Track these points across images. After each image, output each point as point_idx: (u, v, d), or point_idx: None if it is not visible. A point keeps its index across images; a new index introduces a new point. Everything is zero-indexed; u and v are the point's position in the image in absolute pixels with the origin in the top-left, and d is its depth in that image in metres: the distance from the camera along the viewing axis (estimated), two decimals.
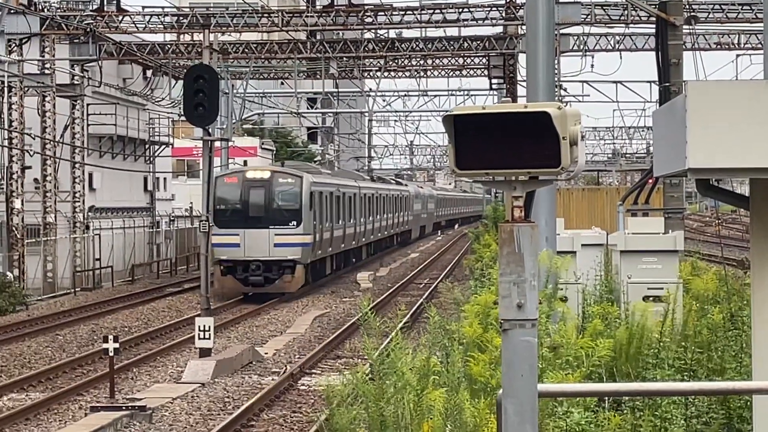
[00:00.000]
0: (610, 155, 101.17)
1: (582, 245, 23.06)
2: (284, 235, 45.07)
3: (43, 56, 50.04)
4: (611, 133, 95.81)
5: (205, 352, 26.84)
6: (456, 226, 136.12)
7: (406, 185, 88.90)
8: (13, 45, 47.94)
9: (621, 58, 54.87)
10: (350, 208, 57.41)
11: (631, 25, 47.47)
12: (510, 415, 5.89)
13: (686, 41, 38.61)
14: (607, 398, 12.79)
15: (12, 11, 44.90)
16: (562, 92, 56.03)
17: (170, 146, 67.25)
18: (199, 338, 26.87)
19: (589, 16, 43.93)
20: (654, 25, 31.45)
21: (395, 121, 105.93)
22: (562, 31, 45.21)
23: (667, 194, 28.71)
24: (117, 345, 23.56)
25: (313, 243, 47.26)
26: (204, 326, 26.89)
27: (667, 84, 28.36)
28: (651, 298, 18.26)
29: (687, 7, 38.42)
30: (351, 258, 60.96)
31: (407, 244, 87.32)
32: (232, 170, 51.20)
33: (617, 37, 52.13)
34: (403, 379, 15.20)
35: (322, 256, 50.36)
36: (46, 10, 49.05)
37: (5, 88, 46.17)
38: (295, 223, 45.45)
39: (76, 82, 53.07)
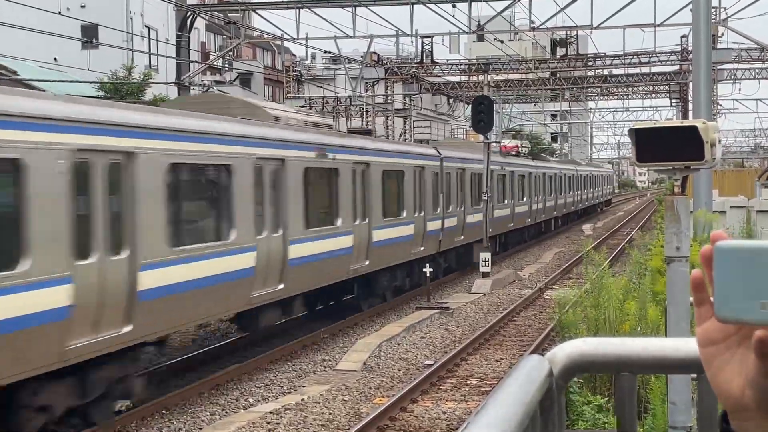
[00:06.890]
0: (752, 147, 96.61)
1: (730, 207, 22.24)
2: None
3: (386, 92, 51.10)
4: (753, 132, 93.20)
5: (485, 274, 27.07)
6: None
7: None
8: (368, 86, 49.23)
9: (759, 83, 53.29)
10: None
11: (766, 61, 45.11)
12: (671, 316, 5.90)
13: None
14: None
15: (368, 65, 45.90)
16: (718, 107, 53.76)
17: None
18: (482, 266, 27.10)
19: (737, 57, 42.07)
20: None
21: (607, 128, 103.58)
22: (718, 68, 43.36)
23: None
24: (432, 269, 24.04)
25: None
26: (485, 258, 27.11)
27: None
28: None
29: None
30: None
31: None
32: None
33: (756, 69, 49.72)
34: (610, 293, 15.06)
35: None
36: (387, 63, 49.96)
37: (364, 112, 47.45)
38: None
39: (406, 107, 53.98)
